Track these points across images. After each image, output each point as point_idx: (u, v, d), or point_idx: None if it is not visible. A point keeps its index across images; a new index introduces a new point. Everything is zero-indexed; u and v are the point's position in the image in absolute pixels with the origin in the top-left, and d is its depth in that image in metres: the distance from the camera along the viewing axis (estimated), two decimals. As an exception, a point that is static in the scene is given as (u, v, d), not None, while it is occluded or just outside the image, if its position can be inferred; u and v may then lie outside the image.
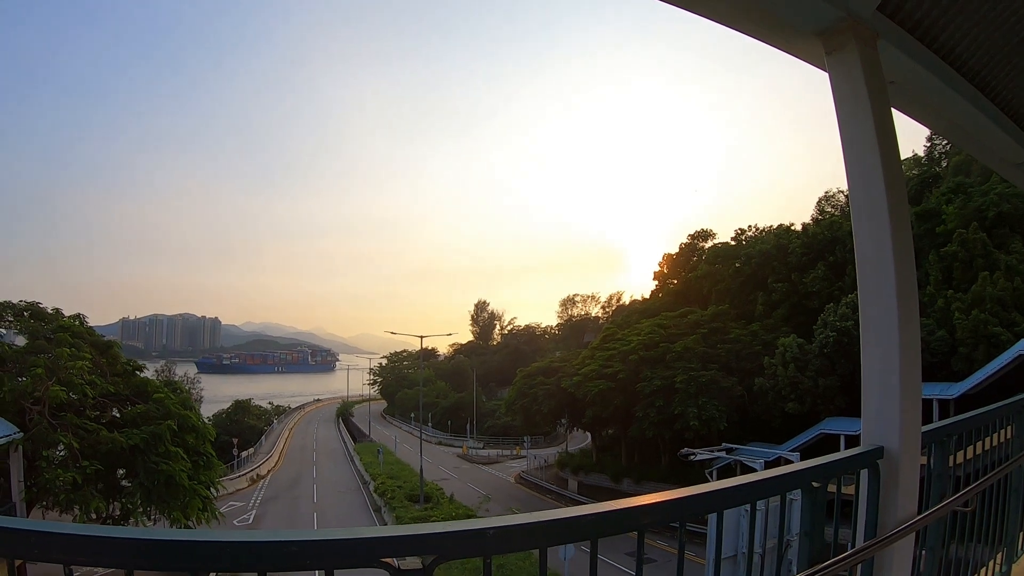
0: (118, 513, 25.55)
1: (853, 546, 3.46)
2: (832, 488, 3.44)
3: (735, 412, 46.59)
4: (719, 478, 39.64)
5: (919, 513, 3.70)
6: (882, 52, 3.89)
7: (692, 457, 36.77)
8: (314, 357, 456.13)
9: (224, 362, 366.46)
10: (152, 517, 26.36)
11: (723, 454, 37.28)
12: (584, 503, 48.54)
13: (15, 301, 29.54)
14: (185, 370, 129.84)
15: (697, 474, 41.95)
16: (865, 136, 3.74)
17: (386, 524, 43.70)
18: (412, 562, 2.06)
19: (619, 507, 2.49)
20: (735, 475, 37.33)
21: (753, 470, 31.65)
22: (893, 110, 3.99)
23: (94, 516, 23.62)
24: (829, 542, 3.48)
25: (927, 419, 3.99)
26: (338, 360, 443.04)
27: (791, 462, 33.37)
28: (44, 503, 24.07)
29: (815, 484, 3.35)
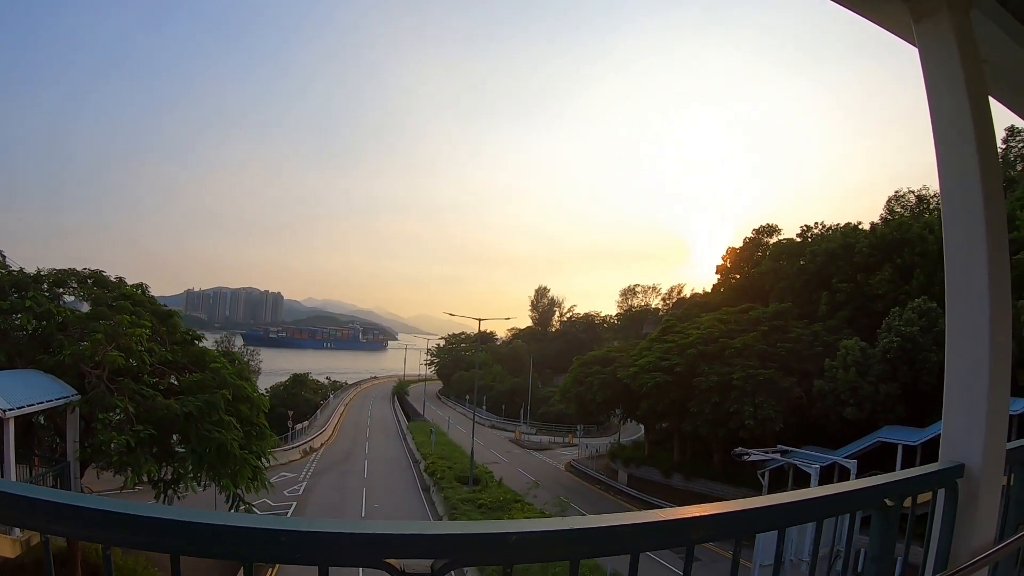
0: (169, 477, 26.04)
1: (922, 574, 3.14)
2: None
3: (792, 414, 45.39)
4: (771, 480, 38.86)
5: (997, 541, 3.24)
6: (975, 24, 3.39)
7: (746, 457, 36.05)
8: (365, 335, 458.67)
9: (271, 335, 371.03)
10: (202, 483, 26.82)
11: (778, 456, 36.45)
12: (633, 495, 48.18)
13: (79, 268, 30.29)
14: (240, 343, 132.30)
15: (749, 474, 41.19)
16: (959, 116, 3.30)
17: (434, 504, 44.05)
18: (419, 565, 1.81)
19: (666, 518, 2.13)
20: (788, 478, 36.56)
21: (807, 474, 30.92)
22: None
23: (145, 479, 24.13)
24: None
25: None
26: (395, 339, 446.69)
27: (847, 469, 32.59)
28: (98, 464, 24.64)
29: (889, 502, 2.95)
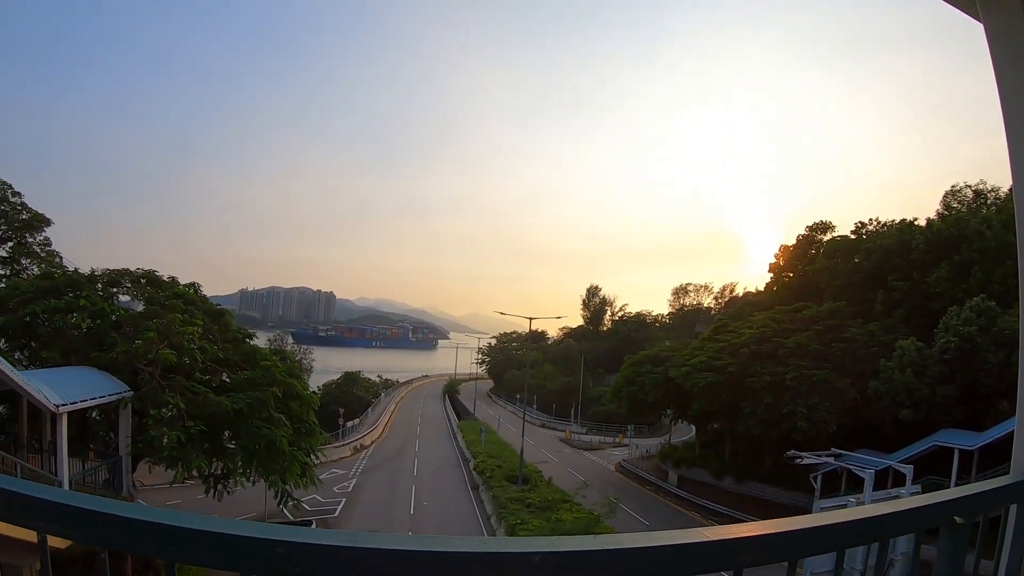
0: (219, 472, 26.44)
1: None
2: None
3: (846, 415, 44.19)
4: (824, 484, 38.02)
5: None
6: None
7: (798, 461, 35.32)
8: (415, 334, 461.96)
9: (320, 334, 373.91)
10: (251, 479, 27.19)
11: (831, 460, 35.61)
12: (683, 497, 47.37)
13: (132, 268, 31.03)
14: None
15: (802, 477, 40.24)
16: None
17: (483, 502, 44.00)
18: None
19: (712, 538, 1.85)
20: (841, 482, 35.54)
21: (861, 479, 30.15)
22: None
23: (195, 473, 24.55)
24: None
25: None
26: (446, 338, 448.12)
27: (903, 474, 31.65)
28: (150, 458, 25.14)
29: (958, 520, 2.55)
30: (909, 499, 2.42)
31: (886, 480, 34.53)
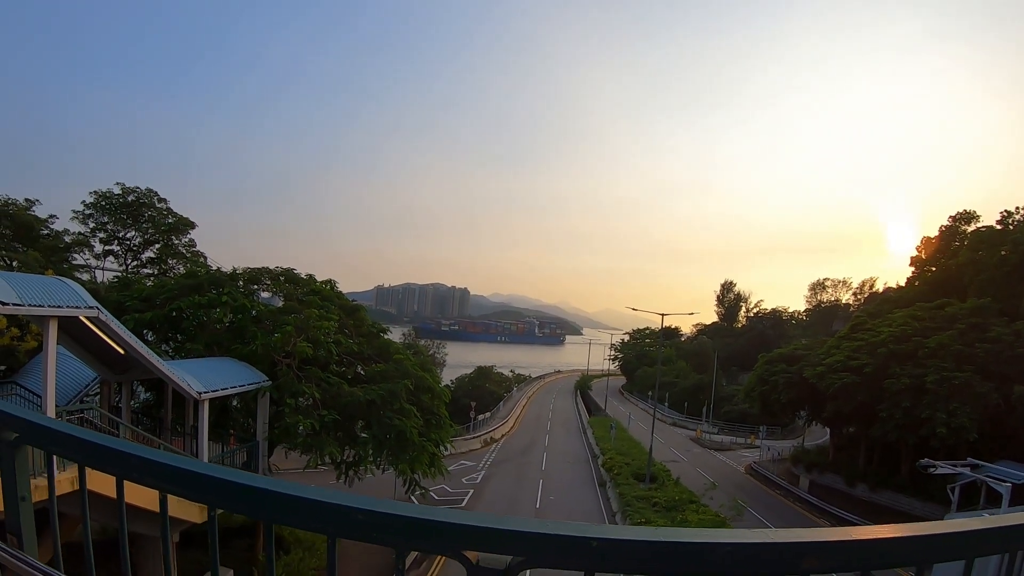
0: (351, 460, 27.64)
1: None
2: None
3: (988, 422, 40.64)
4: (962, 497, 35.92)
5: None
6: None
7: (932, 470, 33.65)
8: (541, 329, 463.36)
9: (443, 328, 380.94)
10: (381, 467, 28.31)
11: (966, 470, 33.64)
12: (813, 503, 45.91)
13: (272, 267, 32.85)
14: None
15: (939, 488, 37.70)
16: None
17: (609, 499, 44.02)
18: (496, 560, 1.80)
19: (775, 540, 1.82)
20: (980, 495, 33.86)
21: (998, 494, 28.58)
22: None
23: (328, 460, 25.77)
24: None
25: None
26: (580, 334, 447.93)
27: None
28: (286, 445, 26.59)
29: None
30: (1004, 516, 2.09)
31: (1026, 496, 32.34)
